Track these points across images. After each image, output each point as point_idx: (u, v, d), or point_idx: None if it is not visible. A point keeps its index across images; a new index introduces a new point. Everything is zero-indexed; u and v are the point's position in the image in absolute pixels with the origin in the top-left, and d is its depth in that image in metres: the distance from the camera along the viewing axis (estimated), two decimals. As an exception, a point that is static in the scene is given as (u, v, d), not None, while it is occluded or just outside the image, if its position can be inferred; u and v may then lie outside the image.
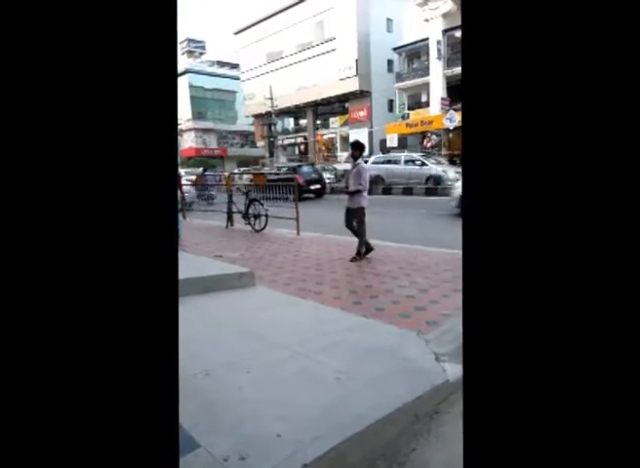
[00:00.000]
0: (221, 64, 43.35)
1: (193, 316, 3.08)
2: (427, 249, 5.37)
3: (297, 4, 28.49)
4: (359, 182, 4.82)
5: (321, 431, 1.57)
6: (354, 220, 4.95)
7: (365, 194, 4.89)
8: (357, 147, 5.05)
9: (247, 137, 40.56)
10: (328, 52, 27.21)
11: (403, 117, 24.36)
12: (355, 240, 5.06)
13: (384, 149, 24.20)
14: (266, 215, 7.48)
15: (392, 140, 23.27)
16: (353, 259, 4.93)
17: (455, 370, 2.18)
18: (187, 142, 38.48)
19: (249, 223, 7.86)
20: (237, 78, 37.28)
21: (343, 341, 2.52)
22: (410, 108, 24.93)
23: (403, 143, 23.42)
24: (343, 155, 27.16)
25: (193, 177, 12.39)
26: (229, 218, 8.47)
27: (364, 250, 4.99)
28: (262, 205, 7.62)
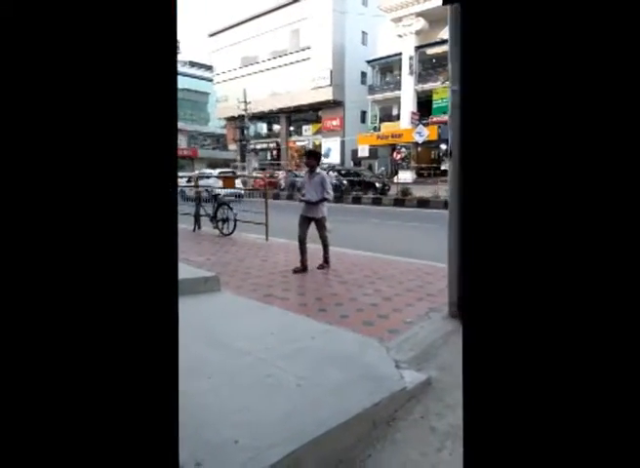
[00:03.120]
0: (195, 65, 42.75)
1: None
2: (392, 258, 5.50)
3: (273, 10, 28.65)
4: (325, 191, 4.78)
5: (279, 437, 1.58)
6: (322, 229, 4.90)
7: (325, 203, 4.87)
8: (313, 155, 4.94)
9: (218, 140, 40.12)
10: (303, 60, 27.48)
11: (375, 129, 24.89)
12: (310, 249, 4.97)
13: (356, 159, 24.60)
14: (235, 220, 7.41)
15: (364, 151, 23.71)
16: (320, 267, 4.95)
17: (413, 378, 2.25)
18: (156, 142, 37.52)
19: (217, 227, 7.75)
20: (210, 80, 36.90)
21: (307, 348, 2.54)
22: (381, 120, 25.52)
23: (374, 154, 23.92)
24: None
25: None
26: (197, 221, 8.32)
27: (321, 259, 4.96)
28: (232, 209, 7.55)
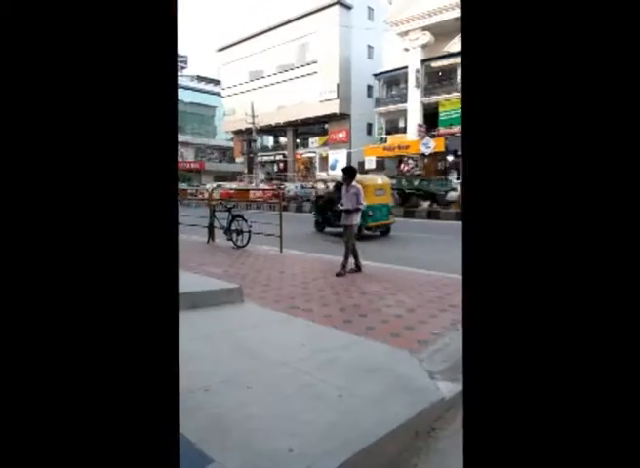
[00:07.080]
0: (202, 80, 43.48)
1: (184, 331, 3.04)
2: (408, 269, 5.54)
3: (281, 26, 29.20)
4: (359, 202, 5.37)
5: (330, 446, 1.61)
6: (350, 236, 5.37)
7: (359, 212, 5.45)
8: (349, 172, 5.69)
9: (225, 153, 40.57)
10: (309, 74, 27.88)
11: (381, 141, 25.07)
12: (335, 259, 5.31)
13: (363, 171, 24.72)
14: (249, 232, 7.48)
15: (370, 163, 23.84)
16: (339, 274, 5.21)
17: (449, 389, 2.27)
18: (164, 155, 38.02)
19: (231, 239, 7.82)
20: (218, 94, 37.49)
21: (340, 359, 2.56)
22: (388, 133, 25.71)
23: (381, 166, 24.04)
24: (322, 174, 27.54)
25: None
26: (210, 233, 8.40)
27: (352, 266, 5.44)
28: (246, 221, 7.63)
